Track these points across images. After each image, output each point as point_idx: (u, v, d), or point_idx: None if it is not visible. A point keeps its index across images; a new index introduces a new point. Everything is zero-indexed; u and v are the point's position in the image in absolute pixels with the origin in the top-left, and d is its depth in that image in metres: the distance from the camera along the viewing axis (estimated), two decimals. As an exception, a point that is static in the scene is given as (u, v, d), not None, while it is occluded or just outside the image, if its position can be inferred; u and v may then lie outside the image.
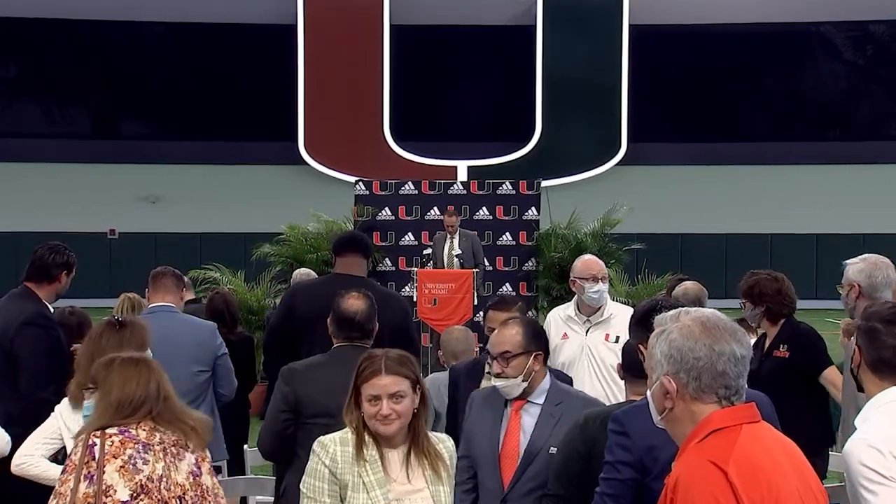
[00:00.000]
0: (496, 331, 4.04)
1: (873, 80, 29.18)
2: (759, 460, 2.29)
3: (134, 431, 3.33)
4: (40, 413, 4.30)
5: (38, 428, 4.19)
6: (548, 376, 4.03)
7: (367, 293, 4.52)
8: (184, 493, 3.34)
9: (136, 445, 3.30)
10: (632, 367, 3.62)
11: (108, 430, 3.32)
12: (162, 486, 3.29)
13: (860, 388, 3.61)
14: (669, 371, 2.37)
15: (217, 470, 4.58)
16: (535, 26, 26.42)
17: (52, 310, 5.34)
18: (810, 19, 27.26)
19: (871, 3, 26.68)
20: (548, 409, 3.94)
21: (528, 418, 3.95)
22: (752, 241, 24.95)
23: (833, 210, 26.39)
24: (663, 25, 26.53)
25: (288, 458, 4.22)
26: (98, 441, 3.29)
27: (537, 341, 3.99)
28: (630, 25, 26.35)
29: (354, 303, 4.39)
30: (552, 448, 3.76)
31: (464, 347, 5.36)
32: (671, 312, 2.47)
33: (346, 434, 3.41)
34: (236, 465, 5.91)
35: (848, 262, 4.75)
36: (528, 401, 3.97)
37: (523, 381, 3.91)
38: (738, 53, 27.34)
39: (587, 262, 5.66)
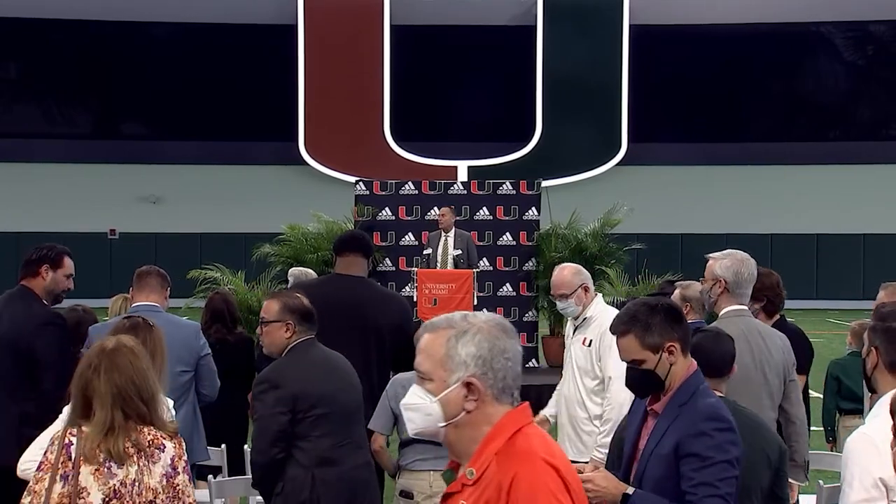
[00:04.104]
0: None
1: (874, 80, 29.18)
2: (564, 456, 2.33)
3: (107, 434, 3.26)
4: (59, 412, 4.29)
5: (45, 432, 4.16)
6: None
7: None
8: (155, 497, 3.30)
9: (107, 451, 3.24)
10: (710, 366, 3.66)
11: (85, 429, 3.26)
12: (134, 492, 3.25)
13: (872, 390, 3.62)
14: (476, 373, 2.27)
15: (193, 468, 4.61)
16: (535, 26, 26.43)
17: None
18: (810, 19, 27.28)
19: (871, 3, 26.69)
20: None
21: None
22: (752, 241, 24.83)
23: (833, 210, 26.40)
24: (663, 25, 26.54)
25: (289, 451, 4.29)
26: (74, 440, 3.24)
27: None
28: (630, 25, 26.36)
29: None
30: None
31: None
32: (458, 314, 2.36)
33: None
34: (236, 466, 5.90)
35: (711, 255, 4.72)
36: None
37: None
38: (738, 54, 27.34)
39: (554, 279, 5.61)
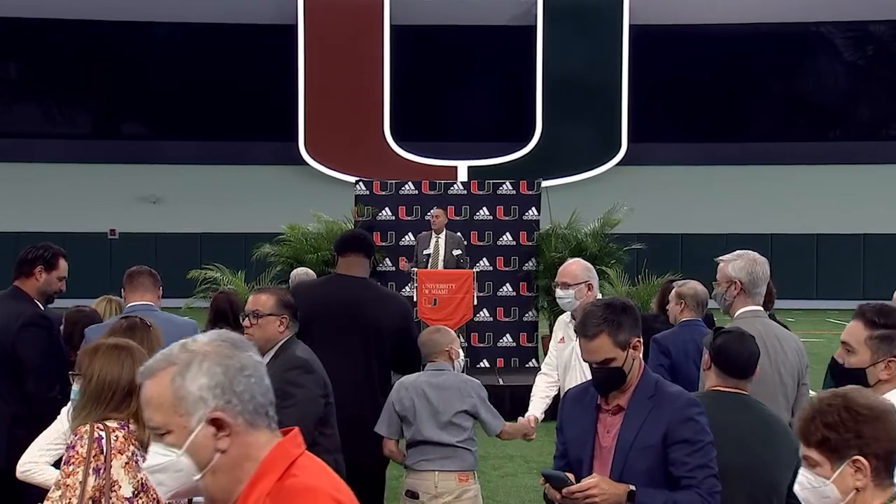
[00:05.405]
0: None
1: (874, 80, 29.17)
2: (349, 489, 2.05)
3: (133, 427, 3.34)
4: (47, 414, 4.27)
5: (43, 433, 4.14)
6: None
7: None
8: None
9: (136, 442, 3.33)
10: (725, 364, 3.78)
11: (110, 424, 3.32)
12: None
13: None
14: (219, 404, 1.92)
15: None
16: (535, 26, 26.42)
17: (42, 308, 5.34)
18: (810, 19, 27.27)
19: (871, 3, 26.68)
20: None
21: None
22: (752, 241, 24.72)
23: (833, 210, 26.40)
24: (663, 25, 26.53)
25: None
26: (104, 434, 3.29)
27: None
28: (630, 25, 26.35)
29: None
30: None
31: (430, 350, 5.18)
32: (175, 346, 2.00)
33: None
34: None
35: (721, 258, 4.70)
36: None
37: None
38: (738, 54, 27.34)
39: (563, 267, 5.52)
